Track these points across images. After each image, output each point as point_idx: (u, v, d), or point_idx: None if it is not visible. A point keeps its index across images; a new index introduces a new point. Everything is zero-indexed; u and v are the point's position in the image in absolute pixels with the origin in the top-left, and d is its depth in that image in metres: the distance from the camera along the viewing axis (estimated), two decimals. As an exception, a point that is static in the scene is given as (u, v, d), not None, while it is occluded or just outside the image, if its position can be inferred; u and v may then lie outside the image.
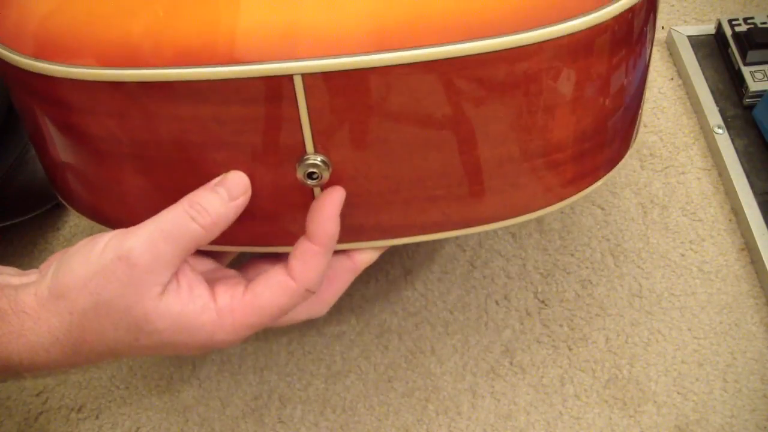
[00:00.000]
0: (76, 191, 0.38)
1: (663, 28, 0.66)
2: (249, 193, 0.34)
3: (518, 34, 0.31)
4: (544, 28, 0.31)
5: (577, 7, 0.32)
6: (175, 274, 0.33)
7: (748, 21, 0.62)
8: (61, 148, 0.36)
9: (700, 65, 0.62)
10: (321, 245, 0.33)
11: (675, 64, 0.64)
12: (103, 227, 0.39)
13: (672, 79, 0.63)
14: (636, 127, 0.40)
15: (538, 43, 0.31)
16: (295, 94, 0.31)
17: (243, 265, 0.38)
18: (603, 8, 0.32)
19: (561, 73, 0.32)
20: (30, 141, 0.40)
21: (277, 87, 0.31)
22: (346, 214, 0.34)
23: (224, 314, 0.33)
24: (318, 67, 0.30)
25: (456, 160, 0.34)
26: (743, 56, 0.60)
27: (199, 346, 0.34)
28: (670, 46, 0.65)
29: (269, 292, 0.34)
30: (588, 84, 0.34)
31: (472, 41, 0.30)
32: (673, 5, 0.68)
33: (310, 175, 0.33)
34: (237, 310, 0.33)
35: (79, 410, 0.47)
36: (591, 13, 0.31)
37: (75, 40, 0.33)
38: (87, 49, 0.32)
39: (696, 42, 0.64)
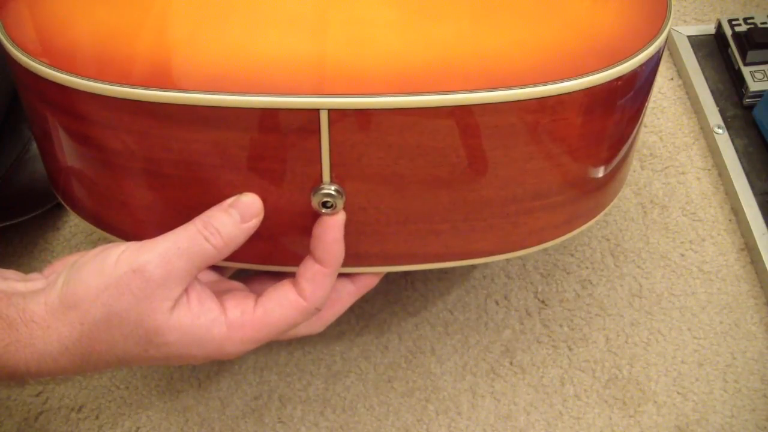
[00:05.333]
0: (81, 197, 0.38)
1: (663, 28, 0.66)
2: (261, 215, 0.34)
3: (538, 86, 0.32)
4: (561, 82, 0.32)
5: (591, 63, 0.33)
6: (185, 289, 0.33)
7: (748, 21, 0.62)
8: (70, 156, 0.36)
9: (700, 65, 0.62)
10: (330, 267, 0.35)
11: (675, 64, 0.64)
12: (104, 233, 0.39)
13: (672, 79, 0.63)
14: (627, 170, 0.42)
15: (556, 95, 0.32)
16: (319, 127, 0.32)
17: (246, 278, 0.38)
18: (615, 66, 0.33)
19: (572, 123, 0.34)
20: (36, 143, 0.40)
21: (303, 120, 0.31)
22: (352, 241, 0.35)
23: (234, 328, 0.34)
24: (346, 104, 0.31)
25: (464, 198, 0.35)
26: (743, 56, 0.60)
27: (207, 357, 0.34)
28: (670, 46, 0.65)
29: (281, 310, 0.35)
30: (594, 133, 0.35)
31: (493, 90, 0.32)
32: (673, 5, 0.68)
33: (324, 204, 0.34)
34: (248, 325, 0.34)
35: (79, 410, 0.47)
36: (605, 70, 0.33)
37: (100, 54, 0.33)
38: (112, 64, 0.32)
39: (696, 42, 0.64)
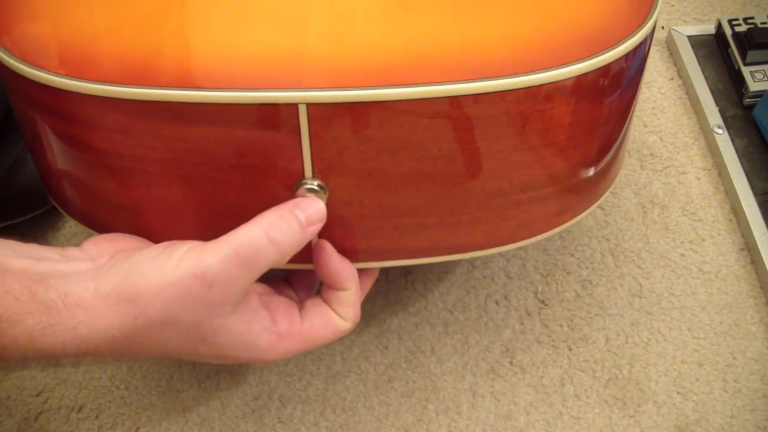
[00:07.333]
0: (71, 198, 0.38)
1: (663, 28, 0.66)
2: (324, 220, 0.34)
3: (521, 76, 0.31)
4: (545, 71, 0.32)
5: (575, 52, 0.32)
6: (246, 294, 0.34)
7: (748, 21, 0.62)
8: (59, 157, 0.36)
9: (700, 65, 0.62)
10: (351, 286, 0.37)
11: (675, 64, 0.64)
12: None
13: (672, 79, 0.63)
14: (619, 164, 0.41)
15: (537, 86, 0.32)
16: (298, 122, 0.32)
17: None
18: (601, 54, 0.33)
19: (556, 114, 0.33)
20: (27, 146, 0.40)
21: (282, 114, 0.31)
22: (338, 237, 0.36)
23: (283, 338, 0.35)
24: (323, 98, 0.31)
25: (449, 192, 0.35)
26: (743, 56, 0.60)
27: (249, 359, 0.35)
28: (670, 46, 0.65)
29: (325, 329, 0.37)
30: (580, 124, 0.35)
31: (476, 81, 0.31)
32: (673, 5, 0.68)
33: None
34: (294, 336, 0.36)
35: (79, 410, 0.47)
36: (590, 59, 0.32)
37: (82, 54, 0.33)
38: (94, 64, 0.32)
39: (696, 42, 0.64)
